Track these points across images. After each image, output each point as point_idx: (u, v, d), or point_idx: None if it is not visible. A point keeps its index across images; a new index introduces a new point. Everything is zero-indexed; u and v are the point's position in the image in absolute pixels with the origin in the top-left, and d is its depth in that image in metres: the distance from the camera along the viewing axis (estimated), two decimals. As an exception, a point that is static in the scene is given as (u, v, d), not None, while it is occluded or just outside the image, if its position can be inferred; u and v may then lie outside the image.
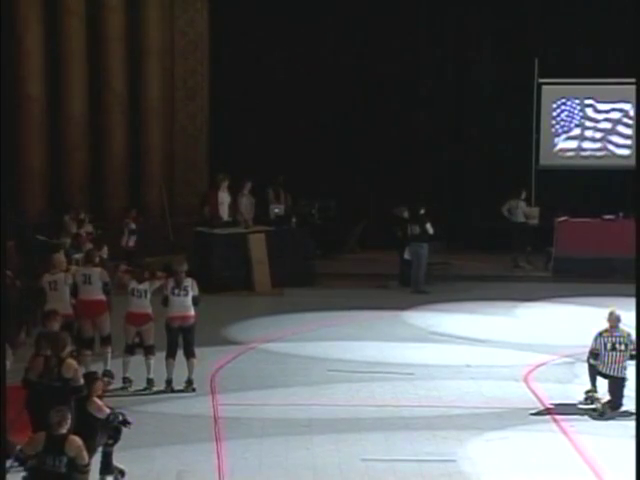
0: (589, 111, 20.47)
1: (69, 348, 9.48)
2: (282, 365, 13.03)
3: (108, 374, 9.79)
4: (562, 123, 20.53)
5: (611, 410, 11.16)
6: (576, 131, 20.56)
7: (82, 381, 9.15)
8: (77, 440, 7.97)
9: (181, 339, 11.99)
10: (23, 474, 8.17)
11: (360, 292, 17.27)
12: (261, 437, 10.38)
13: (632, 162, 20.12)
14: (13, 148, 17.98)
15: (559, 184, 20.07)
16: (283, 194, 18.97)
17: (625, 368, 11.26)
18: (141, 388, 11.95)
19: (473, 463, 9.82)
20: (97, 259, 12.85)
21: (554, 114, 20.49)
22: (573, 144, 20.64)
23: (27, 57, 19.09)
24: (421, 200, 18.03)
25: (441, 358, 13.42)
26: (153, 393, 11.87)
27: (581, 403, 11.47)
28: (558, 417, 11.08)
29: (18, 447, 8.35)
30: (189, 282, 11.99)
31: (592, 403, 11.34)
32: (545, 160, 20.49)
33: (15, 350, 10.76)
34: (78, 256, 14.20)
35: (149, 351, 12.02)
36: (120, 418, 9.14)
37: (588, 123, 20.50)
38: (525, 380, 12.46)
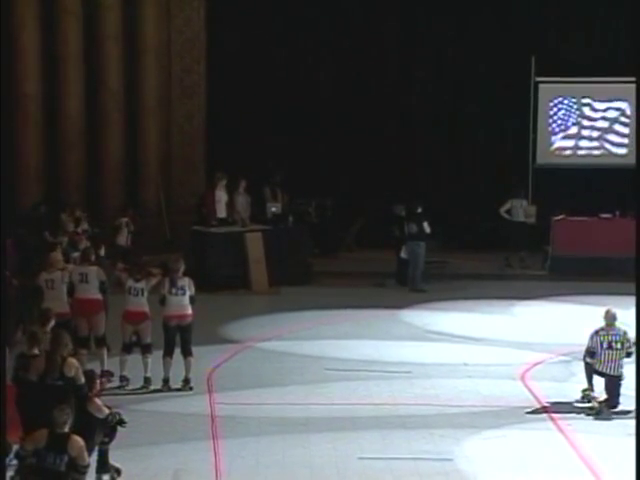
0: (586, 110, 20.47)
1: (70, 347, 9.50)
2: (279, 364, 13.03)
3: (107, 373, 9.78)
4: (559, 122, 20.53)
5: (608, 409, 11.17)
6: (573, 130, 20.56)
7: (83, 380, 9.17)
8: (80, 440, 7.99)
9: (178, 338, 11.99)
10: (11, 474, 8.19)
11: (357, 291, 17.28)
12: (258, 436, 10.39)
13: (629, 161, 20.12)
14: (9, 146, 17.96)
15: (556, 183, 20.07)
16: (280, 193, 18.96)
17: (621, 366, 11.28)
18: (138, 387, 11.95)
19: (470, 461, 9.83)
20: (94, 257, 12.83)
21: (551, 113, 20.48)
22: (570, 143, 20.64)
23: (23, 55, 19.07)
24: (418, 199, 18.03)
25: (438, 357, 13.43)
26: (150, 392, 11.87)
27: (578, 401, 11.48)
28: (555, 415, 11.10)
29: (15, 446, 8.36)
30: (186, 281, 11.99)
31: (589, 402, 11.36)
32: (542, 159, 20.49)
33: (12, 349, 10.76)
34: (76, 254, 14.19)
35: (146, 349, 12.02)
36: (117, 418, 9.15)
37: (585, 122, 20.49)
38: (522, 378, 12.47)
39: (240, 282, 17.24)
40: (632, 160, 20.12)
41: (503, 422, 10.89)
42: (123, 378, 11.98)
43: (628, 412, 11.08)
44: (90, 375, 9.41)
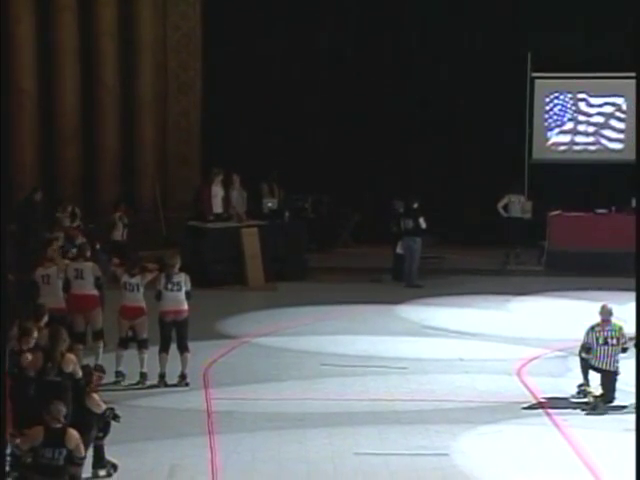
0: (582, 105, 20.47)
1: (67, 342, 9.51)
2: (275, 359, 13.03)
3: (99, 369, 9.80)
4: (555, 117, 20.53)
5: (603, 404, 11.18)
6: (569, 125, 20.56)
7: (80, 375, 9.17)
8: (75, 433, 8.05)
9: (174, 333, 11.98)
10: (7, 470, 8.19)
11: (353, 286, 17.28)
12: (254, 431, 10.39)
13: (625, 156, 20.13)
14: (5, 142, 17.92)
15: (552, 178, 20.06)
16: (277, 189, 18.97)
17: (617, 362, 11.30)
18: (134, 382, 11.94)
19: (466, 457, 9.84)
20: (89, 253, 12.82)
21: (547, 108, 20.48)
22: (566, 138, 20.64)
23: (19, 51, 19.04)
24: (414, 194, 18.02)
25: (434, 352, 13.43)
26: (146, 387, 11.86)
27: (574, 397, 11.49)
28: (551, 411, 11.11)
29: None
30: (182, 277, 11.98)
31: (585, 397, 11.37)
32: (538, 154, 20.49)
33: (7, 344, 10.74)
34: (75, 250, 14.17)
35: (142, 345, 12.02)
36: (112, 413, 9.17)
37: (581, 117, 20.49)
38: (518, 374, 12.48)
39: (236, 278, 17.24)
40: (628, 155, 20.12)
41: (499, 417, 10.90)
42: (119, 373, 11.98)
43: (624, 407, 11.10)
44: (87, 370, 9.42)
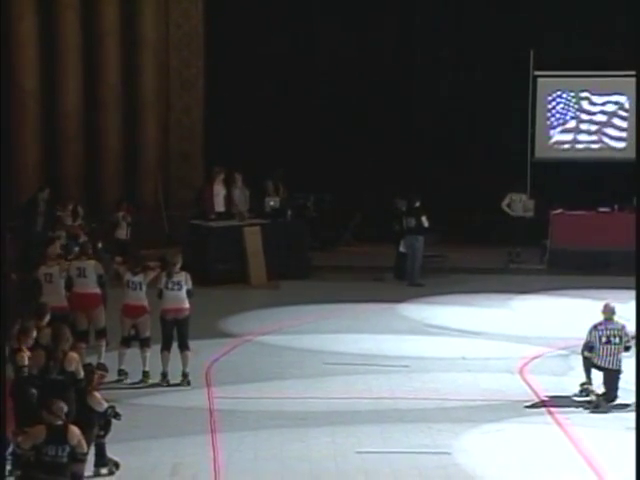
0: (584, 104, 20.45)
1: (70, 341, 9.51)
2: (278, 358, 13.03)
3: (102, 367, 9.81)
4: (557, 115, 20.52)
5: (606, 402, 11.18)
6: (571, 123, 20.55)
7: (82, 374, 9.18)
8: (76, 429, 8.09)
9: (175, 332, 11.99)
10: (9, 468, 8.20)
11: (356, 285, 17.27)
12: (256, 430, 10.39)
13: (627, 154, 20.11)
14: (8, 141, 17.93)
15: (554, 177, 20.06)
16: (282, 187, 18.97)
17: (620, 360, 11.29)
18: (136, 381, 11.95)
19: (468, 455, 9.84)
20: (91, 252, 12.82)
21: (549, 106, 20.47)
22: (568, 137, 20.63)
23: (21, 50, 19.03)
24: (417, 193, 18.02)
25: (436, 350, 13.43)
26: (148, 386, 11.87)
27: (576, 395, 11.49)
28: (553, 409, 11.10)
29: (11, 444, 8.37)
30: (182, 276, 11.97)
31: (587, 395, 11.36)
32: (540, 153, 20.48)
33: (9, 342, 10.75)
34: (77, 248, 14.17)
35: (145, 343, 12.03)
36: (112, 411, 9.19)
37: (583, 115, 20.48)
38: (520, 372, 12.48)
39: (238, 276, 17.23)
40: (631, 154, 20.10)
41: (501, 416, 10.89)
42: (121, 372, 11.99)
43: (626, 406, 11.09)
44: (90, 369, 9.43)
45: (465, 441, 10.18)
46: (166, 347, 11.94)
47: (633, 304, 14.43)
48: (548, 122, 20.53)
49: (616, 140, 20.52)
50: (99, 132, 19.82)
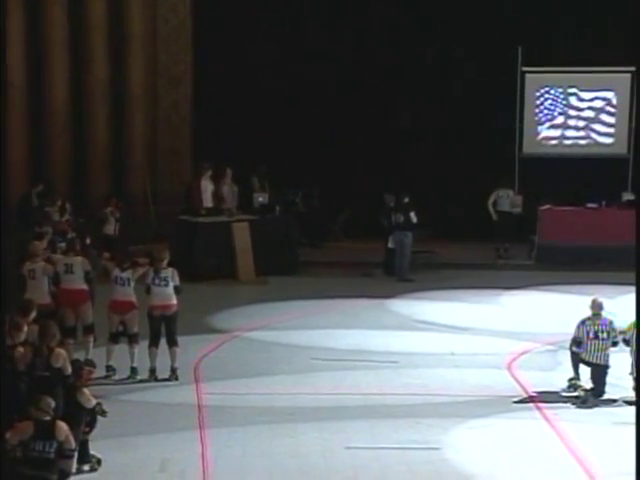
0: (572, 99, 20.49)
1: (57, 337, 9.48)
2: (266, 353, 13.02)
3: (90, 363, 9.78)
4: (545, 111, 20.55)
5: (594, 398, 11.21)
6: (559, 119, 20.58)
7: (70, 370, 9.15)
8: (64, 425, 8.08)
9: (163, 328, 11.97)
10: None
11: (344, 280, 17.27)
12: (245, 425, 10.38)
13: (615, 150, 20.20)
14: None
15: (542, 172, 20.08)
16: (266, 183, 18.96)
17: (608, 356, 11.32)
18: (125, 377, 11.92)
19: (457, 451, 9.85)
20: (79, 248, 12.78)
21: (537, 102, 20.49)
22: (556, 132, 20.66)
23: (8, 45, 18.85)
24: (405, 189, 18.02)
25: (425, 346, 13.44)
26: (137, 382, 11.85)
27: (564, 391, 11.52)
28: (541, 405, 11.12)
29: None
30: (169, 272, 11.94)
31: (575, 391, 11.39)
32: (528, 148, 20.50)
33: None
34: (64, 244, 14.13)
35: (133, 339, 12.01)
36: (100, 408, 9.18)
37: (571, 111, 20.51)
38: (508, 368, 12.50)
39: (227, 272, 17.21)
40: (618, 150, 20.20)
41: (490, 411, 10.91)
42: (109, 368, 11.96)
43: (614, 401, 11.14)
44: (78, 365, 9.40)
45: (454, 436, 10.19)
46: (154, 343, 11.92)
47: (620, 299, 14.54)
48: (536, 118, 20.56)
49: (604, 136, 20.56)
50: (87, 127, 19.75)
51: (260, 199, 18.32)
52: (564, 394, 11.44)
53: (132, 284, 12.03)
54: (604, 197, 18.89)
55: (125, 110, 20.00)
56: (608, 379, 11.30)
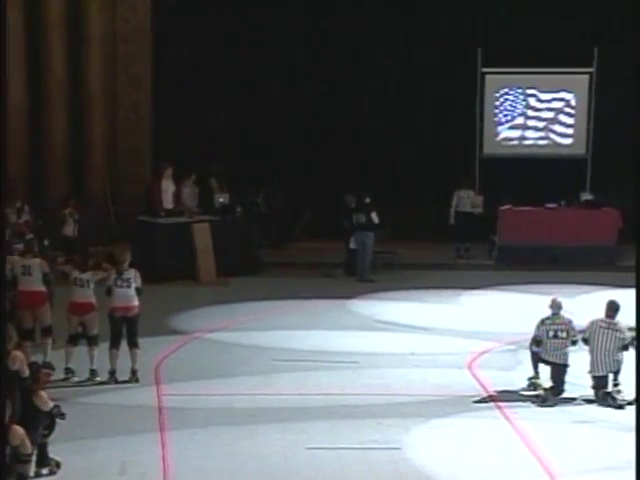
0: (532, 100, 20.64)
1: (14, 340, 9.36)
2: (227, 355, 12.98)
3: (48, 365, 9.68)
4: (505, 112, 20.68)
5: (553, 396, 11.29)
6: (519, 120, 20.72)
7: (27, 373, 9.05)
8: (20, 429, 7.96)
9: (125, 329, 11.88)
10: None
11: (305, 281, 17.26)
12: (206, 427, 10.33)
13: (574, 151, 20.41)
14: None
15: (502, 173, 20.21)
16: (225, 183, 18.89)
17: (567, 354, 11.41)
18: (84, 379, 11.82)
19: (418, 450, 9.88)
20: (36, 249, 12.64)
21: (497, 103, 20.62)
22: (516, 133, 20.80)
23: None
24: (366, 189, 18.04)
25: (386, 346, 13.46)
26: (96, 384, 11.76)
27: (524, 390, 11.59)
28: (501, 404, 11.18)
29: None
30: (132, 273, 11.87)
31: (535, 390, 11.47)
32: (489, 149, 20.63)
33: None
34: (20, 246, 13.97)
35: (93, 341, 11.92)
36: (58, 410, 9.08)
37: (531, 112, 20.66)
38: (469, 367, 12.55)
39: (188, 273, 17.13)
40: (577, 150, 20.42)
41: (450, 411, 10.95)
42: (69, 370, 11.85)
43: (573, 399, 11.23)
44: (35, 368, 9.30)
45: (415, 436, 10.22)
46: (115, 345, 11.83)
47: (579, 299, 14.67)
48: (496, 119, 20.68)
49: (563, 137, 20.74)
50: (45, 127, 19.56)
51: (221, 200, 18.25)
52: (524, 393, 11.51)
53: (92, 286, 11.93)
54: (563, 197, 19.06)
55: (84, 110, 19.84)
56: (567, 378, 11.39)
